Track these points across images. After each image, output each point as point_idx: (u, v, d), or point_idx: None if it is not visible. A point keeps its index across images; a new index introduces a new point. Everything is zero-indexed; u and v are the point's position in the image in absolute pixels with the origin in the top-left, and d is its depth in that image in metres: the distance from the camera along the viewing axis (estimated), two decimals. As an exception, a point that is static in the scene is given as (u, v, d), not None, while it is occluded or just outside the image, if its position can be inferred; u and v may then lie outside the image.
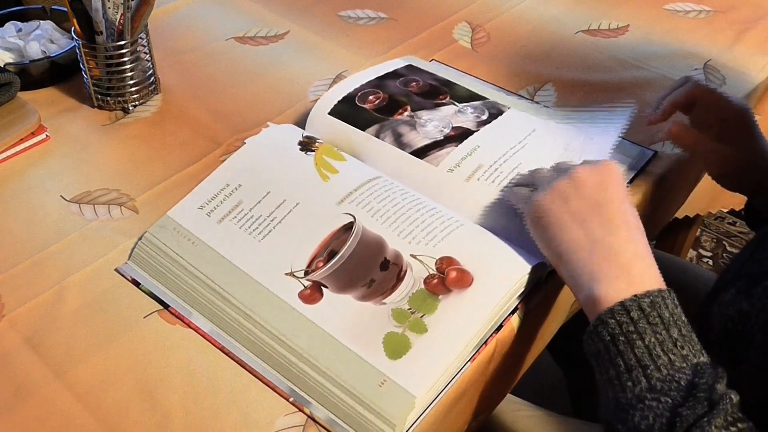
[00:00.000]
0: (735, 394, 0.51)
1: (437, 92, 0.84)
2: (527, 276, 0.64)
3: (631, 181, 0.80)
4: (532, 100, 0.91)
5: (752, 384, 0.55)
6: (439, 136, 0.77)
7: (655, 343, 0.53)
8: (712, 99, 0.77)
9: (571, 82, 0.95)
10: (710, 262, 1.78)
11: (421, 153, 0.76)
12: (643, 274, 0.58)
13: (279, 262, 0.66)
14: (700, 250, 1.81)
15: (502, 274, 0.64)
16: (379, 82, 0.84)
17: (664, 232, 1.44)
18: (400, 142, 0.77)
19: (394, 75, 0.86)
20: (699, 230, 1.83)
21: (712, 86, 0.78)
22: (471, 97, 0.83)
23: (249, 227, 0.69)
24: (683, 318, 0.55)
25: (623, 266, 0.58)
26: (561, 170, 0.65)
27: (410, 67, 0.89)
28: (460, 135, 0.77)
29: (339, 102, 0.81)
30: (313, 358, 0.60)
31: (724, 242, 1.83)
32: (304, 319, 0.63)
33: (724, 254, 1.80)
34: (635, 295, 0.55)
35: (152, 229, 0.71)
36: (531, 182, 0.68)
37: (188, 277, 0.67)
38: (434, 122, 0.79)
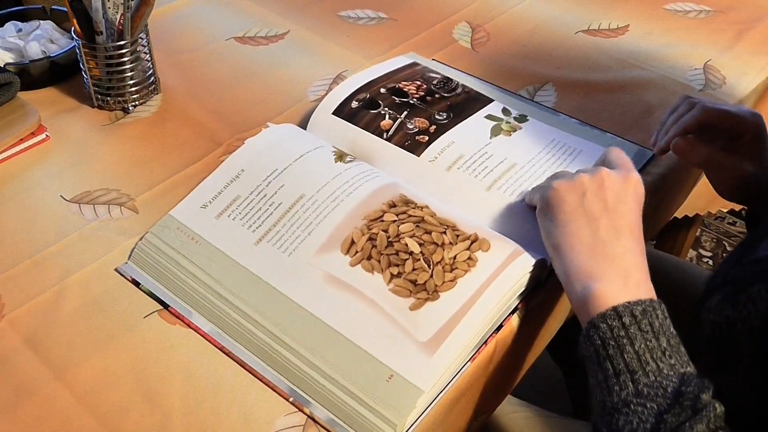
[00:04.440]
0: (719, 405, 0.52)
1: (436, 96, 0.84)
2: (529, 274, 0.65)
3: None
4: (532, 101, 0.91)
5: (739, 393, 0.55)
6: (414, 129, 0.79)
7: (644, 350, 0.54)
8: (724, 119, 0.74)
9: (571, 82, 0.95)
10: (710, 262, 1.78)
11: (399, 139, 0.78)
12: (639, 283, 0.59)
13: (285, 258, 0.66)
14: (700, 250, 1.81)
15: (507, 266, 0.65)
16: (381, 84, 0.85)
17: (664, 231, 1.44)
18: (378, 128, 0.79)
19: (395, 74, 0.87)
20: (699, 230, 1.83)
21: (721, 106, 0.75)
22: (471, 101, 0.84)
23: (253, 224, 0.69)
24: (672, 329, 0.56)
25: (622, 271, 0.59)
26: (587, 168, 0.66)
27: (413, 65, 0.89)
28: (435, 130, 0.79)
29: (342, 102, 0.82)
30: (318, 357, 0.60)
31: (724, 242, 1.83)
32: (311, 317, 0.63)
33: (724, 254, 1.80)
34: (628, 302, 0.56)
35: (154, 229, 0.70)
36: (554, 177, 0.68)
37: (188, 277, 0.67)
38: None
